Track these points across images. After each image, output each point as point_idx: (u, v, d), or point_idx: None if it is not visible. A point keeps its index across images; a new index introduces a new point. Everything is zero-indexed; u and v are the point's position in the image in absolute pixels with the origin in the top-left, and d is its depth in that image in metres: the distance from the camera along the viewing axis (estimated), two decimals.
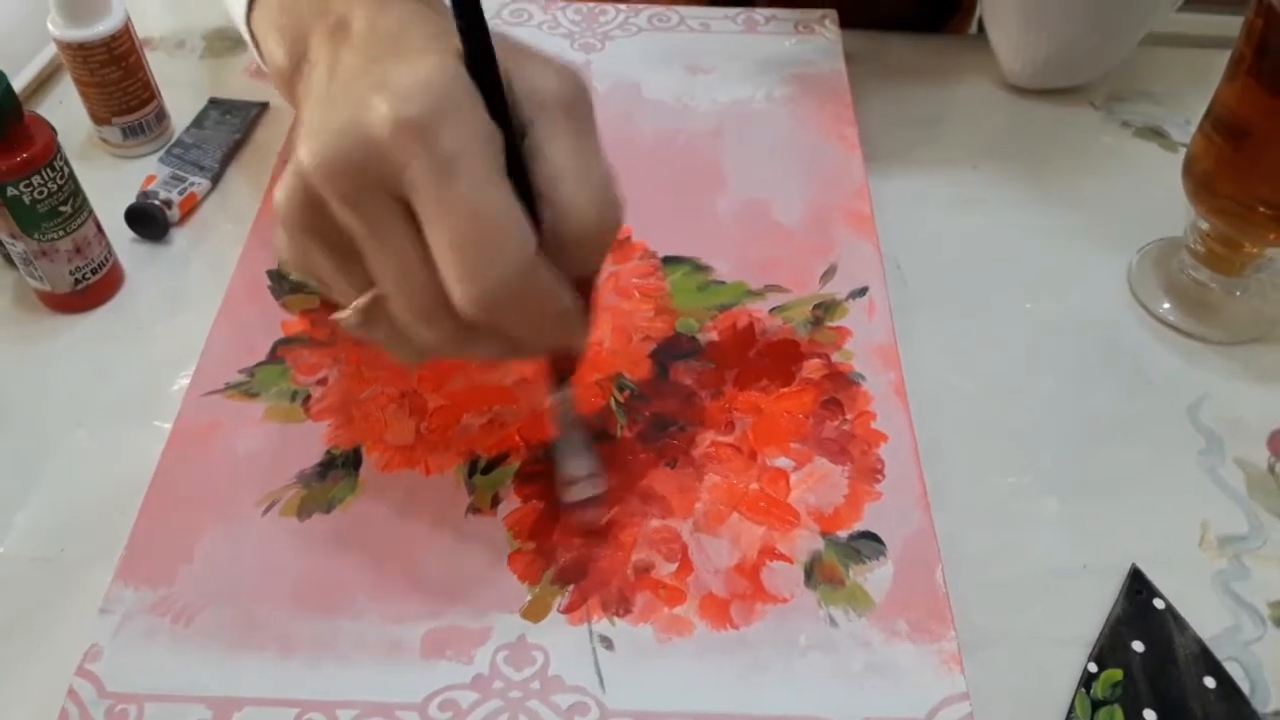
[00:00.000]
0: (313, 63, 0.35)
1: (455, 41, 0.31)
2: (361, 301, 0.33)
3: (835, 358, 0.46)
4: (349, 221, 0.31)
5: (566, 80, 0.33)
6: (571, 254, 0.32)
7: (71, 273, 0.49)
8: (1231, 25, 0.46)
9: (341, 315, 0.34)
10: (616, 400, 0.45)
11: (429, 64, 0.30)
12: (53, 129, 0.47)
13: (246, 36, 0.42)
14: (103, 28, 0.54)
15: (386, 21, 0.33)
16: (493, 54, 0.31)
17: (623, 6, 0.64)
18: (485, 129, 0.30)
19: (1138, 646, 0.40)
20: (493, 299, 0.30)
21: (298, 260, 0.34)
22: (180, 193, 0.55)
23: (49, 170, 0.46)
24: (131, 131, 0.58)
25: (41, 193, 0.46)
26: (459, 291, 0.30)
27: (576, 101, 0.33)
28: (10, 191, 0.45)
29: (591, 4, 0.64)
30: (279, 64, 0.37)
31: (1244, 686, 0.39)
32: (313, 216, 0.32)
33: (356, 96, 0.30)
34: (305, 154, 0.31)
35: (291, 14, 0.37)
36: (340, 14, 0.35)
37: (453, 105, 0.30)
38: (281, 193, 0.32)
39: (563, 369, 0.38)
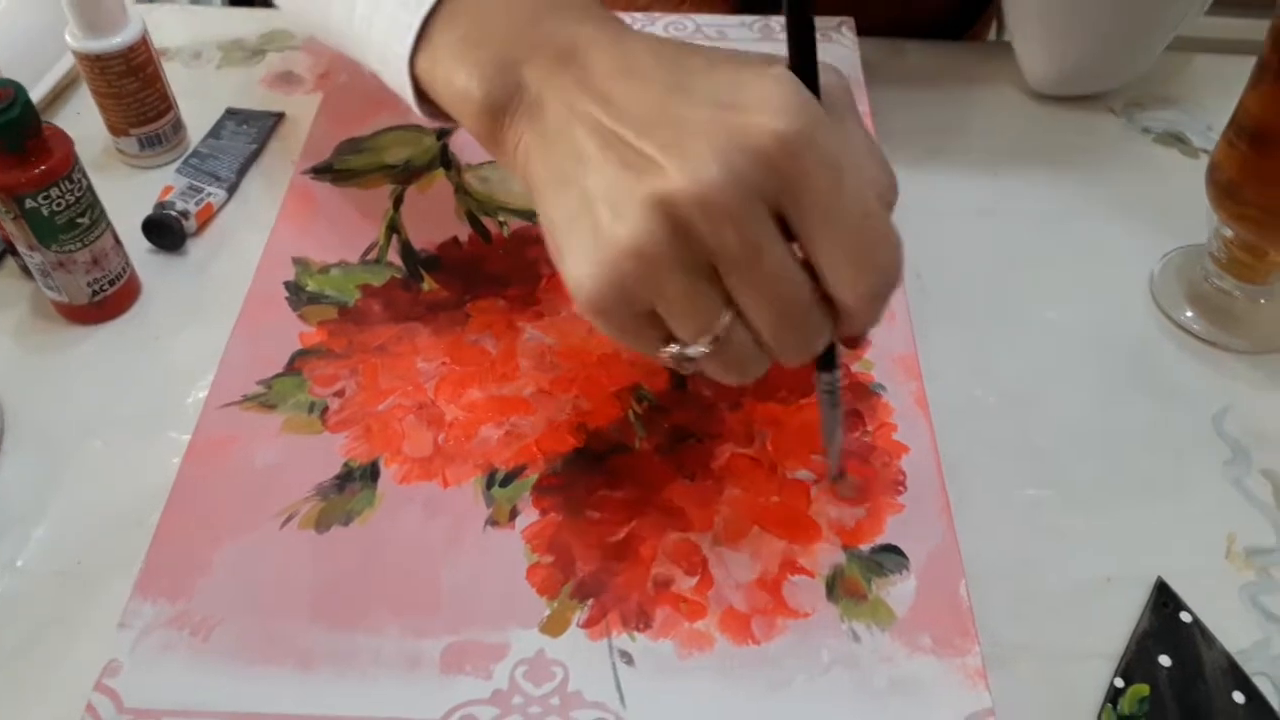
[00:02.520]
0: (538, 92, 0.34)
1: (759, 58, 0.32)
2: (724, 322, 0.32)
3: (856, 368, 0.46)
4: (728, 242, 0.30)
5: (839, 77, 0.34)
6: None
7: (89, 284, 0.49)
8: (1255, 30, 0.46)
9: (686, 349, 0.33)
10: (635, 412, 0.44)
11: (784, 80, 0.31)
12: (71, 140, 0.47)
13: (406, 79, 0.39)
14: (120, 39, 0.54)
15: (643, 49, 0.33)
16: (816, 62, 0.33)
17: (638, 15, 0.64)
18: (840, 134, 0.31)
19: (1165, 661, 0.39)
20: (882, 291, 0.32)
21: (633, 300, 0.32)
22: (197, 203, 0.55)
23: (67, 182, 0.46)
24: (148, 142, 0.58)
25: (59, 205, 0.46)
26: (854, 289, 0.31)
27: (852, 95, 0.34)
28: (29, 204, 0.45)
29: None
30: (477, 97, 0.36)
31: (1274, 701, 0.38)
32: (678, 245, 0.31)
33: (712, 122, 0.30)
34: (685, 180, 0.30)
35: (486, 46, 0.36)
36: (564, 42, 0.34)
37: (821, 116, 0.31)
38: (637, 222, 0.30)
39: (832, 351, 0.37)
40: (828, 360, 0.37)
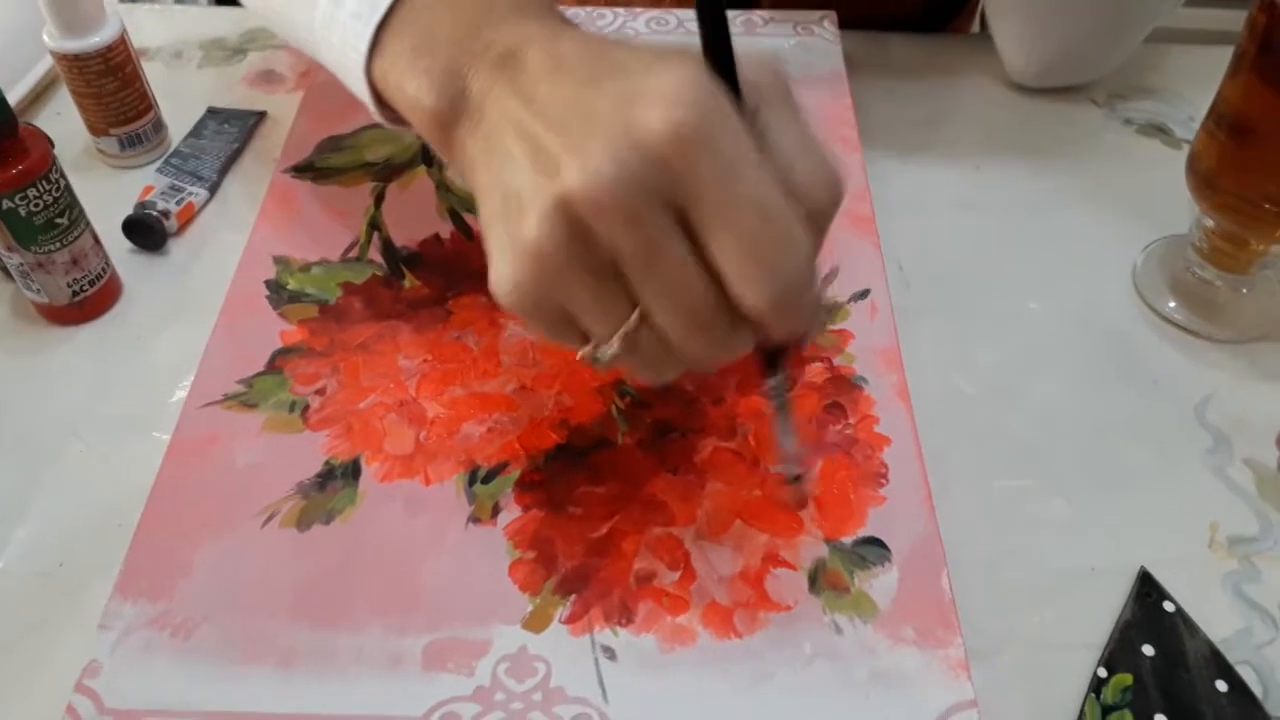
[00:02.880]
0: (480, 98, 0.34)
1: (677, 51, 0.31)
2: (630, 324, 0.32)
3: (837, 361, 0.46)
4: (623, 243, 0.30)
5: (775, 71, 0.33)
6: (812, 231, 0.32)
7: (69, 284, 0.49)
8: (1234, 21, 0.46)
9: (598, 349, 0.33)
10: (617, 407, 0.44)
11: (686, 72, 0.30)
12: (49, 141, 0.47)
13: (364, 88, 0.39)
14: (98, 39, 0.53)
15: (572, 47, 0.33)
16: (733, 54, 0.32)
17: (620, 10, 0.64)
18: (745, 129, 0.30)
19: (1148, 650, 0.39)
20: (786, 294, 0.30)
21: (543, 300, 0.32)
22: (178, 203, 0.54)
23: (45, 183, 0.46)
24: (129, 142, 0.57)
25: (37, 205, 0.46)
26: (754, 292, 0.30)
27: (789, 89, 0.33)
28: (6, 204, 0.45)
29: (589, 8, 0.64)
30: (426, 105, 0.36)
31: (1257, 690, 0.38)
32: (577, 247, 0.30)
33: (611, 117, 0.30)
34: (579, 181, 0.29)
35: (433, 55, 0.36)
36: (503, 47, 0.34)
37: (721, 109, 0.30)
38: (538, 224, 0.30)
39: (777, 354, 0.37)
40: (771, 363, 0.37)
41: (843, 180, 0.33)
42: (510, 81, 0.33)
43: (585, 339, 0.34)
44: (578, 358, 0.34)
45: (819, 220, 0.32)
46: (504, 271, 0.32)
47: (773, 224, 0.30)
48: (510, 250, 0.31)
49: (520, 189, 0.31)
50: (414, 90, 0.36)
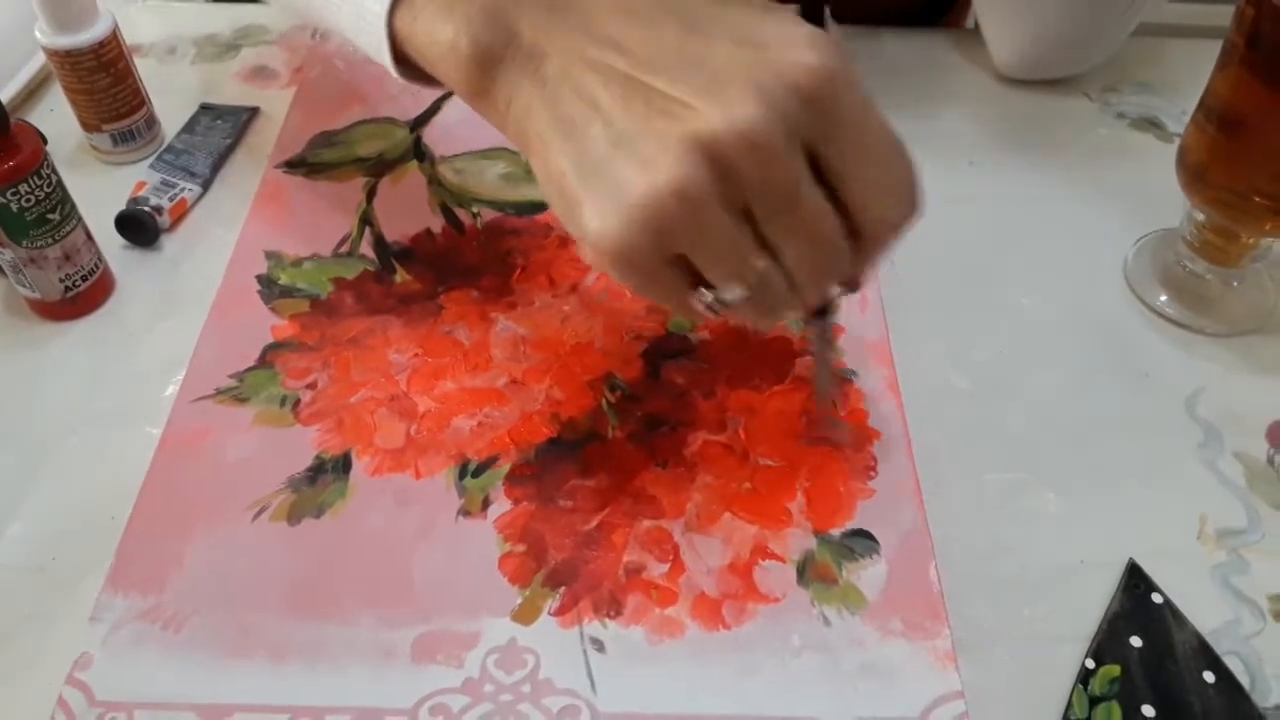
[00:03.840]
0: (535, 39, 0.33)
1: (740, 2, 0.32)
2: (762, 263, 0.32)
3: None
4: (768, 181, 0.30)
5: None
6: None
7: (61, 280, 0.49)
8: (1225, 15, 0.46)
9: (720, 293, 0.33)
10: (608, 400, 0.44)
11: (799, 18, 0.31)
12: (42, 137, 0.47)
13: (383, 41, 0.38)
14: (90, 35, 0.54)
15: None
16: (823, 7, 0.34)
17: None
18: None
19: (1136, 642, 0.39)
20: (911, 220, 0.33)
21: (664, 245, 0.31)
22: (170, 199, 0.54)
23: (36, 178, 0.46)
24: (122, 138, 0.57)
25: (29, 200, 0.46)
26: (896, 216, 0.32)
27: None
28: None
29: None
30: (464, 48, 0.34)
31: (1244, 681, 0.38)
32: (719, 186, 0.30)
33: (744, 61, 0.30)
34: (726, 119, 0.29)
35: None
36: None
37: (844, 51, 0.31)
38: (677, 166, 0.30)
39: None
40: (823, 307, 0.38)
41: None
42: (577, 27, 0.33)
43: (689, 287, 0.33)
44: (692, 305, 0.33)
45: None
46: (618, 219, 0.31)
47: (904, 156, 0.32)
48: (631, 194, 0.30)
49: (635, 134, 0.31)
50: (450, 34, 0.35)
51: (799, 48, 0.30)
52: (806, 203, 0.31)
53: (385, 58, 0.38)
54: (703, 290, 0.33)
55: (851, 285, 0.37)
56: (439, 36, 0.35)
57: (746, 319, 0.35)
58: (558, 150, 0.32)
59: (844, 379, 0.43)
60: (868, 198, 0.32)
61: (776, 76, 0.30)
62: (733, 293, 0.33)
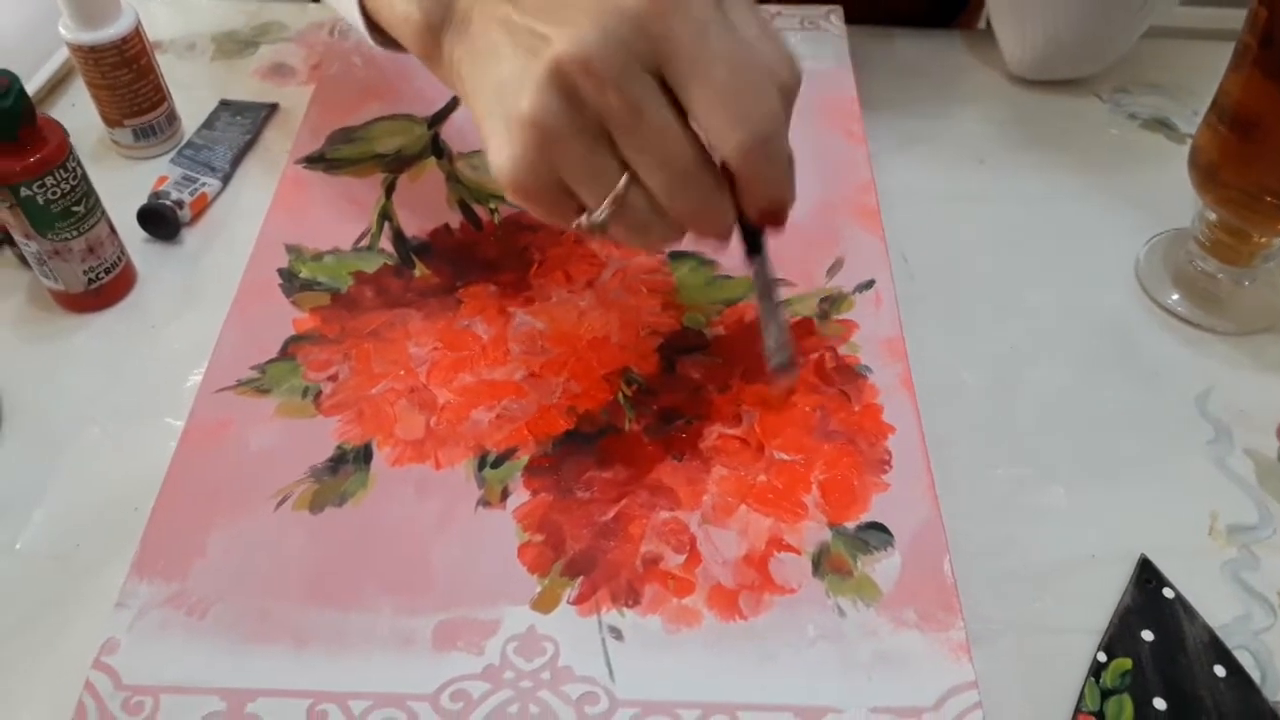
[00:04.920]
0: (466, 8, 0.37)
1: None
2: (620, 186, 0.35)
3: (842, 350, 0.46)
4: (610, 102, 0.33)
5: None
6: (781, 101, 0.35)
7: (85, 272, 0.49)
8: (1234, 19, 0.46)
9: (591, 216, 0.35)
10: (624, 394, 0.45)
11: None
12: (65, 130, 0.47)
13: (357, 14, 0.43)
14: (114, 30, 0.54)
15: None
16: None
17: None
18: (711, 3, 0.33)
19: (1147, 636, 0.40)
20: (758, 141, 0.34)
21: (541, 172, 0.35)
22: (191, 193, 0.55)
23: (62, 171, 0.46)
24: (143, 133, 0.58)
25: (55, 193, 0.46)
26: (729, 138, 0.33)
27: None
28: (24, 192, 0.46)
29: None
30: (415, 19, 0.39)
31: (1254, 675, 0.39)
32: (570, 112, 0.33)
33: None
34: (566, 47, 0.32)
35: None
36: None
37: None
38: (534, 95, 0.33)
39: (756, 234, 0.39)
40: (751, 245, 0.39)
41: (799, 62, 0.36)
42: None
43: (577, 213, 0.36)
44: (573, 227, 0.36)
45: (786, 94, 0.35)
46: (504, 151, 0.34)
47: (742, 75, 0.33)
48: (508, 129, 0.34)
49: (511, 74, 0.34)
50: (404, 7, 0.39)
51: None
52: (649, 123, 0.33)
53: (360, 26, 0.44)
54: (581, 216, 0.36)
55: (772, 220, 0.38)
56: (397, 8, 0.40)
57: (627, 242, 0.37)
58: (475, 98, 0.37)
59: (787, 319, 0.44)
60: (706, 119, 0.33)
61: (615, 6, 0.32)
62: (601, 214, 0.35)
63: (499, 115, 0.35)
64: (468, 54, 0.37)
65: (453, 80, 0.39)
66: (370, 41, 0.44)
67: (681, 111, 0.34)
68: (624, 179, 0.35)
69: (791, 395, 0.44)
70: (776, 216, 0.38)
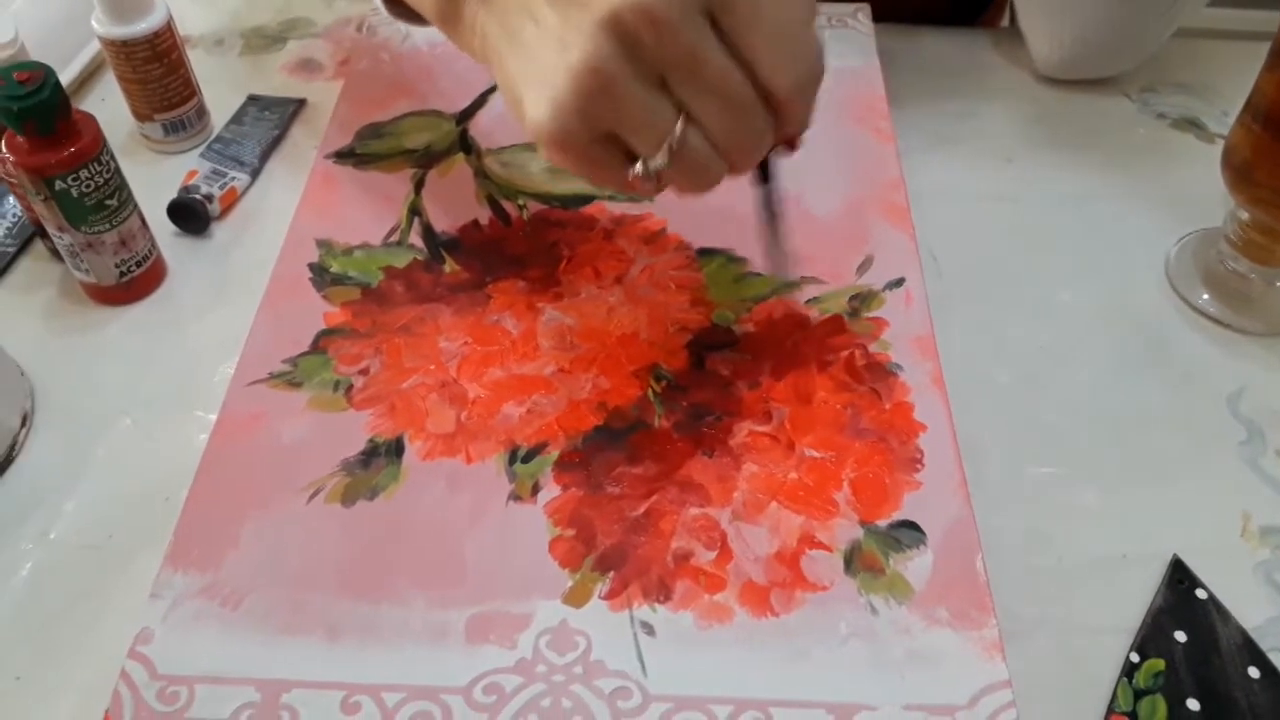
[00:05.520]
0: None
1: None
2: (678, 130, 0.35)
3: (873, 348, 0.46)
4: (672, 50, 0.33)
5: None
6: None
7: (117, 265, 0.50)
8: (1260, 20, 0.46)
9: (648, 163, 0.36)
10: (654, 390, 0.45)
11: None
12: (98, 123, 0.48)
13: None
14: (146, 25, 0.55)
15: None
16: None
17: None
18: None
19: (1180, 636, 0.39)
20: (809, 79, 0.36)
21: (591, 122, 0.35)
22: (221, 187, 0.55)
23: (96, 164, 0.47)
24: (173, 128, 0.58)
25: (89, 186, 0.47)
26: (792, 74, 0.35)
27: None
28: (59, 185, 0.46)
29: None
30: None
31: None
32: (628, 60, 0.33)
33: None
34: None
35: None
36: None
37: None
38: (588, 43, 0.33)
39: (767, 163, 0.42)
40: (764, 172, 0.42)
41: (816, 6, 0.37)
42: None
43: (624, 163, 0.36)
44: (627, 179, 0.37)
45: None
46: (548, 105, 0.34)
47: (795, 16, 0.35)
48: (555, 80, 0.34)
49: (553, 27, 0.34)
50: None
51: None
52: (710, 66, 0.34)
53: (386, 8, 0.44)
54: (636, 165, 0.36)
55: (789, 144, 0.40)
56: None
57: (682, 187, 0.37)
58: (505, 58, 0.37)
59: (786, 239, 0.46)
60: (763, 58, 0.34)
61: None
62: (659, 160, 0.36)
63: (539, 70, 0.35)
64: (493, 18, 0.37)
65: (475, 43, 0.39)
66: (384, 12, 0.44)
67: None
68: (680, 122, 0.35)
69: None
70: (794, 143, 0.40)
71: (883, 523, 0.41)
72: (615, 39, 0.33)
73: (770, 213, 0.43)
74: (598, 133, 0.35)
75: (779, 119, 0.37)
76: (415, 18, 0.42)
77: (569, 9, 0.34)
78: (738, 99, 0.35)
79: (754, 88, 0.35)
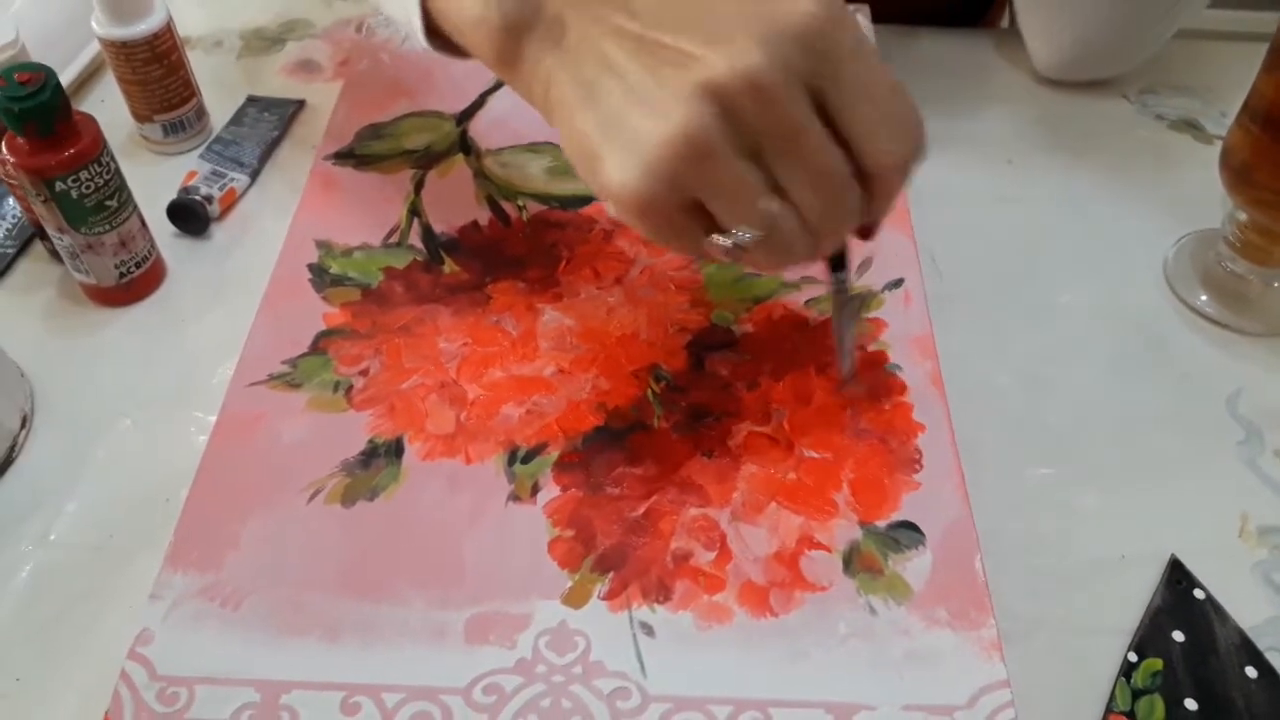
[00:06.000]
0: (559, 9, 0.35)
1: None
2: (772, 204, 0.34)
3: (872, 348, 0.46)
4: (773, 123, 0.32)
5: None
6: None
7: (116, 266, 0.50)
8: (1262, 21, 0.46)
9: (736, 235, 0.34)
10: (653, 391, 0.45)
11: None
12: (98, 124, 0.48)
13: (416, 13, 0.39)
14: (145, 26, 0.55)
15: None
16: None
17: None
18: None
19: (1178, 636, 0.39)
20: (917, 153, 0.35)
21: (679, 188, 0.33)
22: (220, 188, 0.55)
23: (96, 165, 0.47)
24: (172, 129, 0.58)
25: (89, 187, 0.47)
26: (895, 152, 0.34)
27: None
28: (59, 186, 0.46)
29: None
30: (494, 23, 0.36)
31: None
32: (726, 129, 0.32)
33: (745, 12, 0.32)
34: (729, 66, 0.31)
35: None
36: None
37: (845, 6, 0.33)
38: (687, 110, 0.32)
39: (843, 252, 0.40)
40: (839, 260, 0.40)
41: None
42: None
43: (703, 232, 0.35)
44: (710, 248, 0.35)
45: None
46: (636, 169, 0.33)
47: (901, 95, 0.34)
48: (646, 145, 0.32)
49: (644, 88, 0.33)
50: (480, 7, 0.36)
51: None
52: (811, 141, 0.33)
53: (416, 27, 0.40)
54: (719, 235, 0.35)
55: (865, 234, 0.38)
56: (469, 9, 0.37)
57: (762, 263, 0.36)
58: (579, 112, 0.34)
59: (859, 336, 0.44)
60: (870, 135, 0.33)
61: (777, 24, 0.32)
62: (747, 234, 0.34)
63: (624, 129, 0.33)
64: (564, 64, 0.35)
65: (536, 89, 0.37)
66: (423, 43, 0.40)
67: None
68: (775, 199, 0.34)
69: (859, 398, 0.44)
70: (873, 230, 0.38)
71: (882, 523, 0.41)
72: (714, 108, 0.32)
73: (842, 301, 0.42)
74: (685, 200, 0.34)
75: (871, 200, 0.35)
76: (459, 52, 0.40)
77: (663, 69, 0.32)
78: (835, 177, 0.34)
79: (850, 165, 0.34)
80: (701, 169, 0.33)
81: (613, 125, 0.33)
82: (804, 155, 0.33)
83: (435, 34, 0.40)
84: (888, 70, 0.33)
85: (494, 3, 0.36)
